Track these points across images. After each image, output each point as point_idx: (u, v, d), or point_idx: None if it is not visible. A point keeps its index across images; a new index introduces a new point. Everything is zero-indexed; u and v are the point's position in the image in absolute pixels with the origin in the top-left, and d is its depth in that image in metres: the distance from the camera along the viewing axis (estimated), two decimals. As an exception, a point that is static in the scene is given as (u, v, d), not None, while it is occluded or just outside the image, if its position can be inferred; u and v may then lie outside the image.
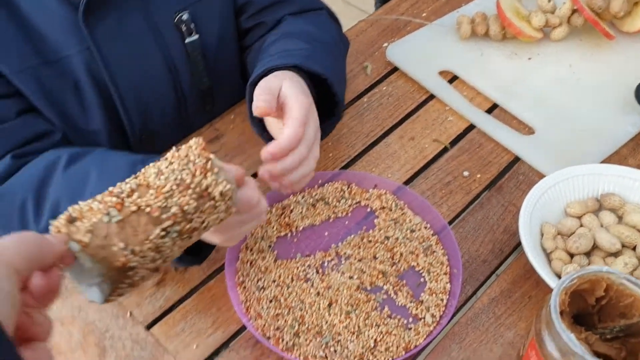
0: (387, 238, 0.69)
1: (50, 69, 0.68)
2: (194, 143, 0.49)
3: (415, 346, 0.60)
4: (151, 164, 0.48)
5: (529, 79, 0.88)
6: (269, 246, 0.69)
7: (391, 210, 0.72)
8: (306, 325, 0.62)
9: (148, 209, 0.44)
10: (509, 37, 0.93)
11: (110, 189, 0.46)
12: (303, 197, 0.73)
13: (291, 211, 0.72)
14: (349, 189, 0.74)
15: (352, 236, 0.70)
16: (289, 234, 0.70)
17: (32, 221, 0.65)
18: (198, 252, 0.63)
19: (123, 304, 0.67)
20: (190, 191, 0.46)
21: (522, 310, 0.64)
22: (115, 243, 0.43)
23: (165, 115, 0.79)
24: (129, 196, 0.45)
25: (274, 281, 0.66)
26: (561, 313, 0.49)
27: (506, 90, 0.86)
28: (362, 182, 0.75)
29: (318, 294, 0.64)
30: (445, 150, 0.81)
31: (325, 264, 0.67)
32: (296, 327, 0.62)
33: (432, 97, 0.88)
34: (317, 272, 0.66)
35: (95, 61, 0.69)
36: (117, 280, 0.44)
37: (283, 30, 0.78)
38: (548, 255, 0.65)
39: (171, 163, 0.48)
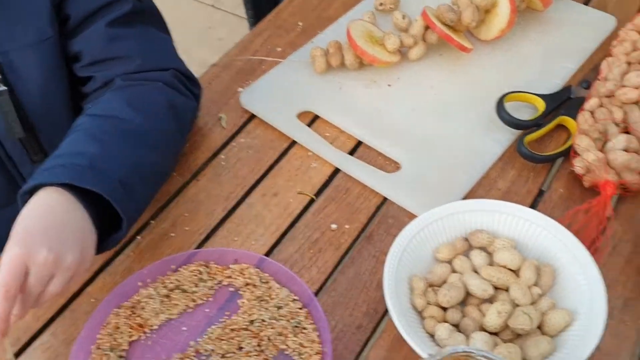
0: (252, 322, 0.63)
1: None
2: None
3: None
4: None
5: (391, 109, 0.83)
6: (120, 357, 0.61)
7: (256, 286, 0.66)
8: None
9: None
10: (366, 64, 0.88)
11: None
12: (156, 289, 0.66)
13: (142, 308, 0.64)
14: (208, 269, 0.67)
15: (214, 327, 0.63)
16: (143, 337, 0.63)
17: None
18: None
19: None
20: None
21: (402, 380, 0.59)
22: None
23: None
24: None
25: (128, 399, 0.58)
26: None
27: (368, 124, 0.81)
28: (221, 259, 0.68)
29: (178, 405, 0.57)
30: (311, 202, 0.75)
31: (184, 367, 0.60)
32: None
33: (294, 143, 0.82)
34: (176, 380, 0.59)
35: None
36: None
37: (92, 112, 0.70)
38: (420, 313, 0.61)
39: None
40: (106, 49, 0.74)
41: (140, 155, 0.68)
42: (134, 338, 0.62)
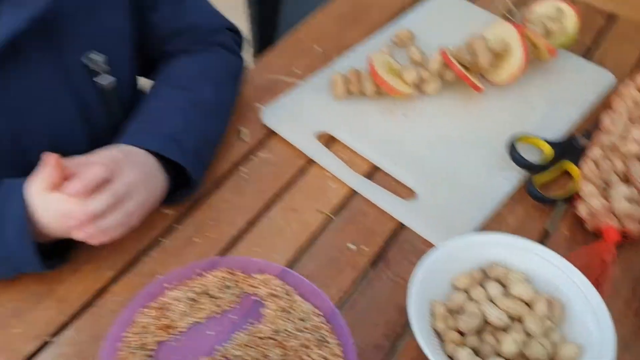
0: (277, 332, 0.65)
1: None
2: None
3: None
4: None
5: (406, 138, 0.87)
6: (149, 356, 0.62)
7: (279, 297, 0.68)
8: None
9: None
10: (384, 93, 0.92)
11: None
12: (183, 292, 0.67)
13: (170, 310, 0.66)
14: (233, 277, 0.69)
15: (239, 333, 0.65)
16: (170, 338, 0.64)
17: None
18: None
19: None
20: None
21: (420, 398, 0.62)
22: None
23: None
24: None
25: (155, 398, 0.59)
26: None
27: (384, 151, 0.85)
28: (246, 267, 0.70)
29: (206, 407, 0.59)
30: (330, 221, 0.78)
31: (212, 371, 0.62)
32: None
33: (312, 162, 0.85)
34: (204, 382, 0.61)
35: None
36: None
37: (172, 83, 0.81)
38: (440, 336, 0.64)
39: None
40: (175, 23, 0.83)
41: (210, 125, 0.80)
42: (161, 339, 0.64)
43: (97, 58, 0.72)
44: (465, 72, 0.91)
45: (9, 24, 0.61)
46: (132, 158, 0.69)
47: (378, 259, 0.74)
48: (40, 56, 0.67)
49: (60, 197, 0.62)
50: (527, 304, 0.65)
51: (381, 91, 0.92)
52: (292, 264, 0.74)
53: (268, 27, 1.56)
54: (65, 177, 0.62)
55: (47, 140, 0.70)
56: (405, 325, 0.68)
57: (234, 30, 0.91)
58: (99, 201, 0.62)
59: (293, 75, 0.97)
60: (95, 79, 0.73)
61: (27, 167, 0.67)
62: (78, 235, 0.64)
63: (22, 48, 0.64)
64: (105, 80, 0.74)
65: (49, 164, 0.60)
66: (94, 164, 0.63)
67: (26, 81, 0.67)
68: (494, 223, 0.78)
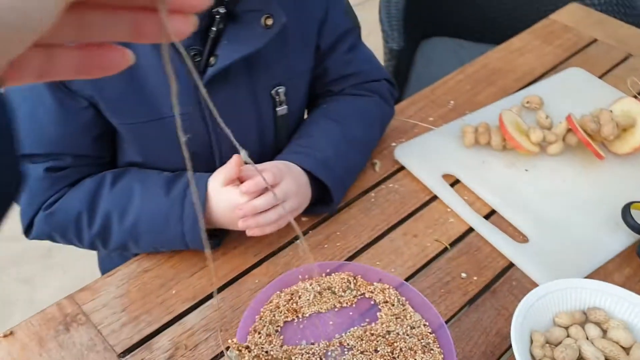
0: (389, 332, 0.74)
1: (154, 125, 0.80)
2: None
3: None
4: None
5: (525, 189, 0.95)
6: (276, 331, 0.73)
7: (393, 305, 0.77)
8: (308, 411, 0.66)
9: None
10: (509, 148, 1.01)
11: None
12: (311, 285, 0.78)
13: (299, 297, 0.77)
14: (355, 280, 0.79)
15: (356, 328, 0.74)
16: (296, 320, 0.75)
17: (85, 229, 0.79)
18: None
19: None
20: None
21: (510, 413, 0.68)
22: None
23: None
24: None
25: (279, 365, 0.70)
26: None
27: (504, 198, 0.93)
28: (367, 275, 0.80)
29: (321, 381, 0.68)
30: (445, 250, 0.87)
31: (329, 353, 0.72)
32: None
33: (435, 197, 0.94)
34: (321, 360, 0.70)
35: (200, 121, 0.81)
36: None
37: (332, 116, 0.93)
38: (537, 362, 0.70)
39: None
40: (344, 68, 0.95)
41: (355, 158, 0.93)
42: (289, 319, 0.75)
43: (281, 91, 0.87)
44: (588, 139, 0.98)
45: (228, 55, 0.77)
46: (292, 172, 0.82)
47: (486, 289, 0.82)
48: (240, 83, 0.83)
49: (234, 191, 0.76)
50: (624, 349, 0.70)
51: (507, 146, 1.00)
52: (406, 279, 0.82)
53: (401, 80, 1.69)
54: (239, 179, 0.76)
55: (230, 149, 0.84)
56: (505, 350, 0.75)
57: (391, 83, 1.03)
58: (263, 200, 0.76)
59: (426, 121, 1.08)
60: (276, 109, 0.88)
61: (211, 165, 0.83)
62: (240, 225, 0.77)
63: (228, 73, 0.80)
64: (282, 110, 0.89)
65: (232, 163, 0.75)
66: (265, 170, 0.77)
67: (225, 100, 0.82)
68: (599, 276, 0.83)
